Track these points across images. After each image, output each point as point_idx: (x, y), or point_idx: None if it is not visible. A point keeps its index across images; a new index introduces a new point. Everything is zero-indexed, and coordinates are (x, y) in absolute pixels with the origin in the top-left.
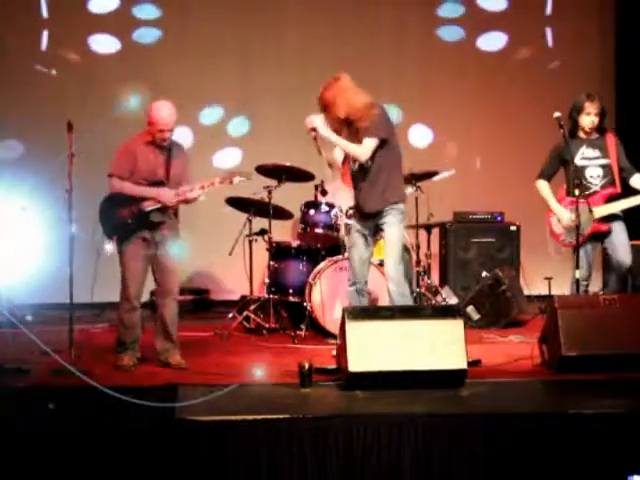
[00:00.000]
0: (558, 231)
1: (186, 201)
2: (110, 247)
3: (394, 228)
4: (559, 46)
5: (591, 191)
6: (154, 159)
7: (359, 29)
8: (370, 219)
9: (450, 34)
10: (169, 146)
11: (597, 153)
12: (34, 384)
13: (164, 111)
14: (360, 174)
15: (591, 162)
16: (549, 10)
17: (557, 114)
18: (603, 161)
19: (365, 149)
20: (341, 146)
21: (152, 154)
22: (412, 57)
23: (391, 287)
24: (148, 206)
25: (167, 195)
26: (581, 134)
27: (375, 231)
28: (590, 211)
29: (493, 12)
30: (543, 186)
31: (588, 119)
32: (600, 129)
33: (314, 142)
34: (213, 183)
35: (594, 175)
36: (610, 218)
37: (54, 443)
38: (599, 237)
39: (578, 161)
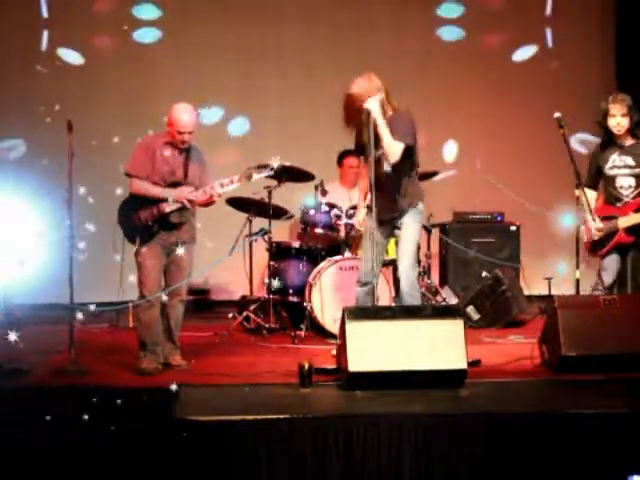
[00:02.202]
0: (587, 239)
1: (206, 202)
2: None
3: (411, 227)
4: (559, 46)
5: (623, 202)
6: (173, 159)
7: (359, 29)
8: (388, 223)
9: (450, 34)
10: (187, 148)
11: (629, 162)
12: (34, 384)
13: (183, 114)
14: (384, 179)
15: (620, 171)
16: (549, 10)
17: (557, 114)
18: (637, 170)
19: (399, 148)
20: (384, 135)
21: (171, 154)
22: (412, 57)
23: (403, 287)
24: (168, 208)
25: (188, 194)
26: (616, 140)
27: (390, 233)
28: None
29: (493, 12)
30: (581, 194)
31: (613, 121)
32: (634, 133)
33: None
34: (232, 181)
35: (624, 185)
36: (638, 232)
37: (54, 443)
38: (625, 251)
39: (608, 170)
